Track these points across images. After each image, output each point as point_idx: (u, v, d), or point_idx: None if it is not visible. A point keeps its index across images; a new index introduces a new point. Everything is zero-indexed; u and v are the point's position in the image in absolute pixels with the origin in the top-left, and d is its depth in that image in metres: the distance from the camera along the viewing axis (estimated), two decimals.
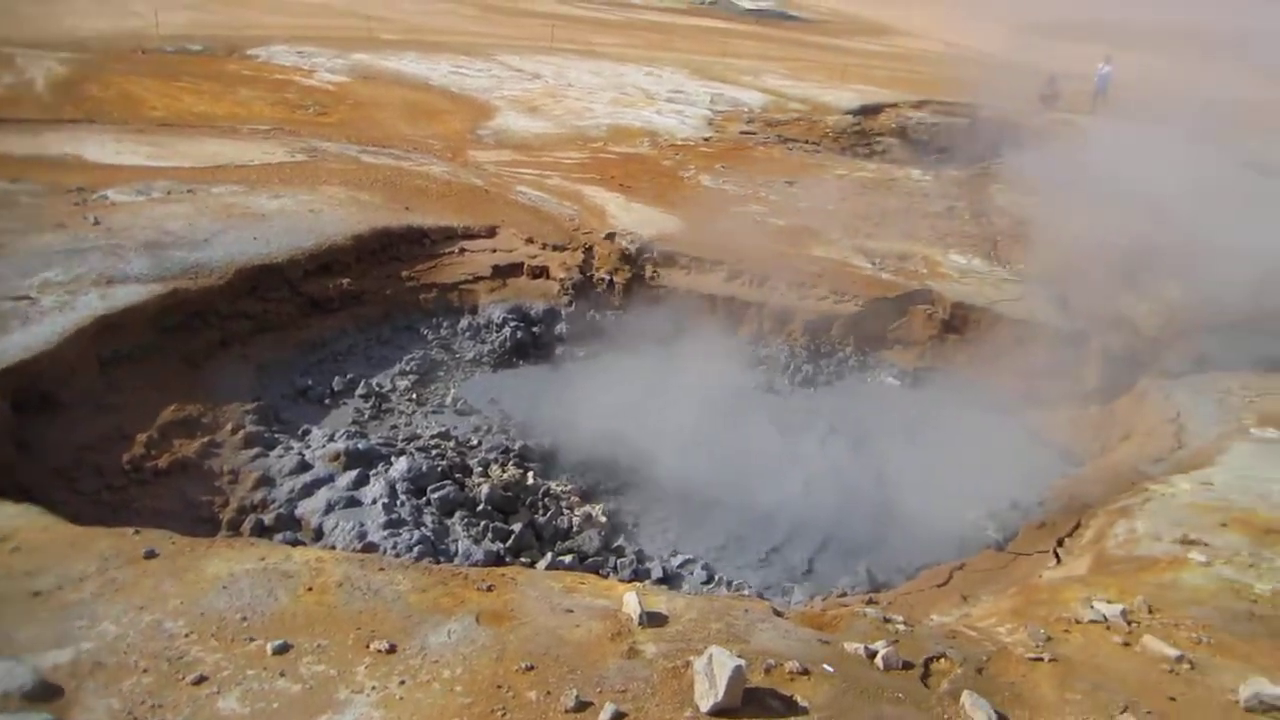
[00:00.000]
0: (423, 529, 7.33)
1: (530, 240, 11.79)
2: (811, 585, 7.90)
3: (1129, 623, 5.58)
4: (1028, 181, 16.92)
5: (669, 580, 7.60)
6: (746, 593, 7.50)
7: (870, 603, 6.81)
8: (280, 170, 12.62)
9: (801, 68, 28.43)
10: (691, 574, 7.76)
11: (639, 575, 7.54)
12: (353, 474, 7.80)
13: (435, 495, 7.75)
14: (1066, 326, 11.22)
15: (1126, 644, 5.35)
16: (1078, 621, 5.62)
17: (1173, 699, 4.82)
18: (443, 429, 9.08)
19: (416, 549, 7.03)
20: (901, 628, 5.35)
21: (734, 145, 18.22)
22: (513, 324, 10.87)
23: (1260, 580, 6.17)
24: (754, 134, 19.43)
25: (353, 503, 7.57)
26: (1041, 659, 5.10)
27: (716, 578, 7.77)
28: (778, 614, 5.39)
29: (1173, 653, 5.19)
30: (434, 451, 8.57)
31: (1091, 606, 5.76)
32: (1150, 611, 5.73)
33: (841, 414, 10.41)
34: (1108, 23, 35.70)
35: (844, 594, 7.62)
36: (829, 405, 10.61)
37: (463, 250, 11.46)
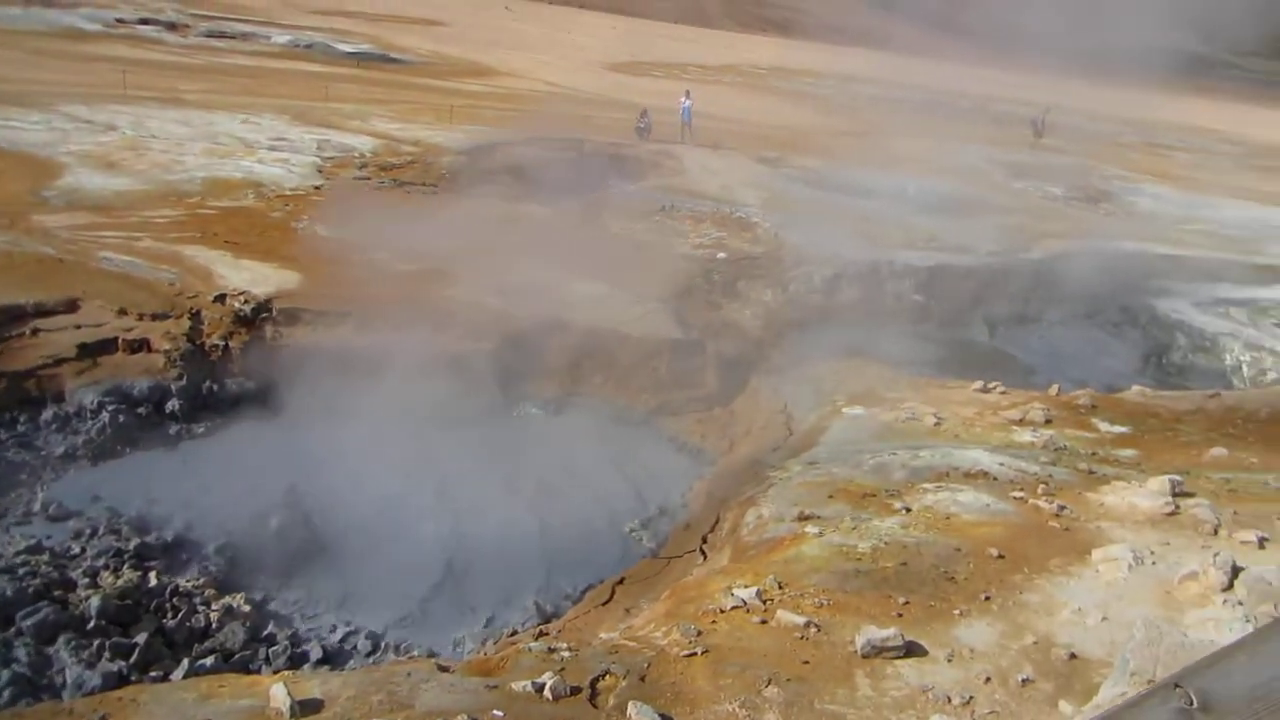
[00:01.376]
0: (15, 666, 6.22)
1: (123, 311, 10.57)
2: (482, 630, 7.84)
3: (764, 601, 6.13)
4: (635, 207, 18.35)
5: (331, 659, 7.14)
6: (415, 653, 7.26)
7: (541, 635, 6.92)
8: None
9: (409, 110, 28.37)
10: (355, 646, 7.36)
11: (296, 661, 7.01)
12: None
13: (28, 622, 6.61)
14: (685, 338, 12.30)
15: (764, 621, 5.89)
16: (722, 611, 6.07)
17: (806, 662, 5.43)
18: (32, 541, 7.78)
19: (7, 692, 5.97)
20: (567, 654, 5.49)
21: (348, 191, 17.72)
22: (111, 408, 9.62)
23: (861, 540, 7.05)
24: (368, 179, 19.05)
25: None
26: (695, 653, 5.47)
27: (383, 644, 7.43)
28: (443, 669, 5.31)
29: (801, 620, 5.81)
30: (21, 570, 7.30)
31: (732, 594, 6.24)
32: (780, 587, 6.34)
33: (492, 450, 10.50)
34: (683, 62, 39.76)
35: (515, 632, 7.64)
36: (479, 443, 10.65)
37: (36, 331, 9.98)
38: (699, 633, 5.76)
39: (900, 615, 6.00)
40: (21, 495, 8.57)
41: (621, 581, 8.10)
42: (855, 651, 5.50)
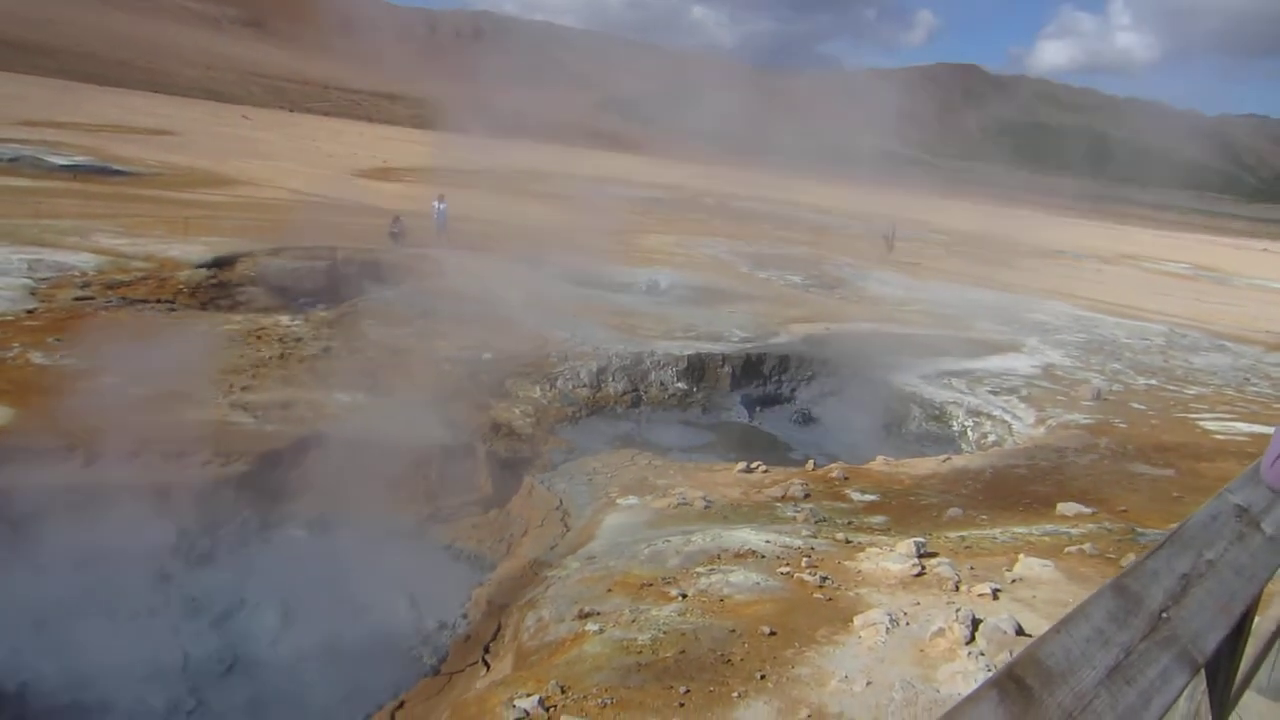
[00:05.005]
0: None
1: None
2: None
3: (546, 709, 5.99)
4: (395, 313, 18.04)
5: None
6: None
7: None
8: None
9: (138, 223, 26.47)
10: None
11: None
12: None
13: None
14: (454, 441, 12.12)
15: None
16: None
17: None
18: None
19: None
20: None
21: (69, 314, 16.16)
22: None
23: (641, 632, 7.12)
24: (93, 299, 17.48)
25: None
26: None
27: None
28: None
29: None
30: None
31: (513, 705, 6.06)
32: (563, 691, 6.23)
33: (251, 580, 9.76)
34: (431, 166, 40.01)
35: None
36: (235, 574, 9.87)
37: None
38: None
39: (682, 705, 6.08)
40: None
41: (401, 705, 7.68)
42: None
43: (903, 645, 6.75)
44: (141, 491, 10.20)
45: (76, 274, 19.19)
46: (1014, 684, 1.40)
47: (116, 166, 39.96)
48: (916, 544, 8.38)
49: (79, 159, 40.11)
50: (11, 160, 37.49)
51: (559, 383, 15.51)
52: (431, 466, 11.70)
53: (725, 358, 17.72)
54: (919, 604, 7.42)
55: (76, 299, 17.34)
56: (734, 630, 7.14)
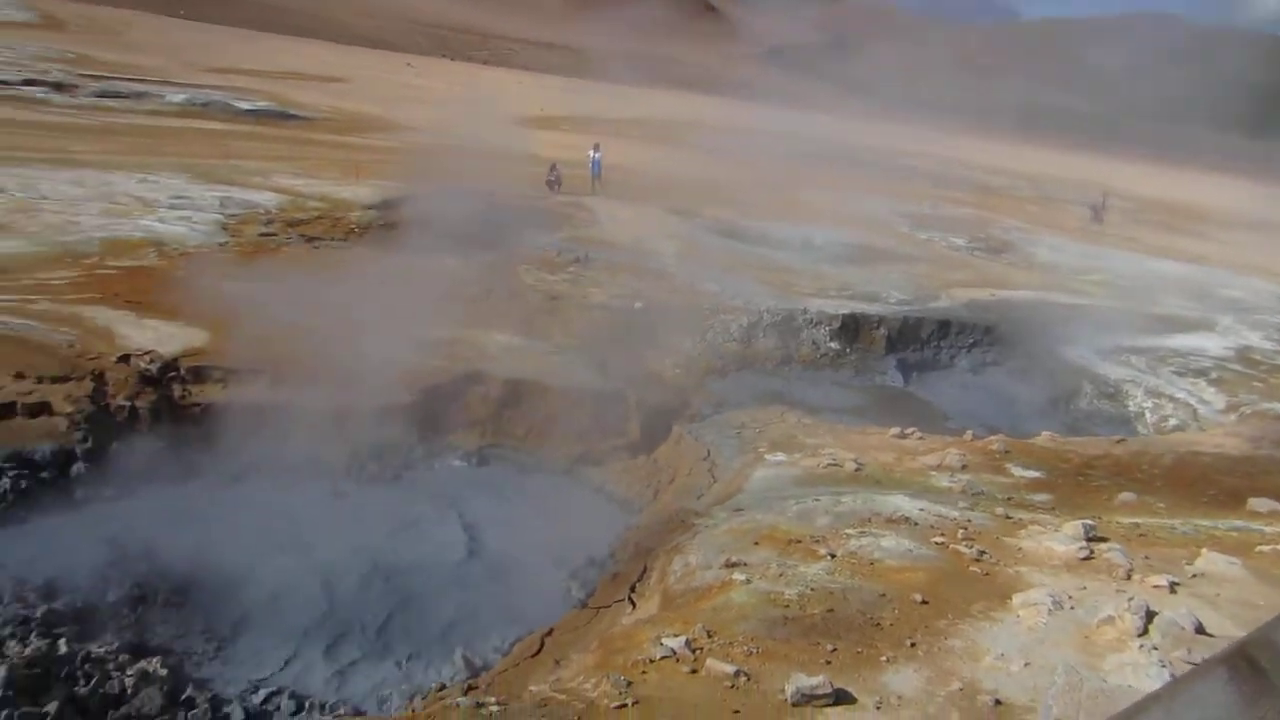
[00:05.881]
0: None
1: (20, 375, 10.05)
2: (409, 687, 7.67)
3: (693, 650, 6.12)
4: (550, 259, 18.42)
5: None
6: (341, 712, 7.08)
7: (469, 690, 6.78)
8: None
9: (313, 166, 27.99)
10: (279, 707, 7.16)
11: None
12: None
13: None
14: (606, 388, 12.34)
15: (694, 671, 5.88)
16: (651, 660, 6.05)
17: (737, 711, 5.44)
18: None
19: None
20: (495, 709, 5.40)
21: (255, 248, 17.32)
22: (13, 473, 9.13)
23: (788, 587, 7.13)
24: (275, 235, 18.66)
25: None
26: (625, 705, 5.43)
27: (307, 704, 7.22)
28: None
29: (731, 669, 5.83)
30: None
31: (661, 643, 6.22)
32: (709, 636, 6.34)
33: (414, 503, 10.32)
34: (591, 116, 40.34)
35: (443, 687, 7.50)
36: (400, 497, 10.47)
37: None
38: (629, 683, 5.73)
39: (828, 663, 6.07)
40: None
41: (550, 633, 7.98)
42: (785, 700, 5.54)
43: (1065, 629, 6.47)
44: (318, 414, 10.90)
45: (261, 211, 20.52)
46: (1246, 664, 1.30)
47: (294, 111, 42.20)
48: (1085, 526, 7.97)
49: (261, 104, 42.55)
50: (204, 105, 40.17)
51: (709, 335, 15.50)
52: (583, 410, 11.97)
53: (881, 319, 17.25)
54: (1085, 589, 7.08)
55: (261, 234, 18.56)
56: (884, 595, 7.04)
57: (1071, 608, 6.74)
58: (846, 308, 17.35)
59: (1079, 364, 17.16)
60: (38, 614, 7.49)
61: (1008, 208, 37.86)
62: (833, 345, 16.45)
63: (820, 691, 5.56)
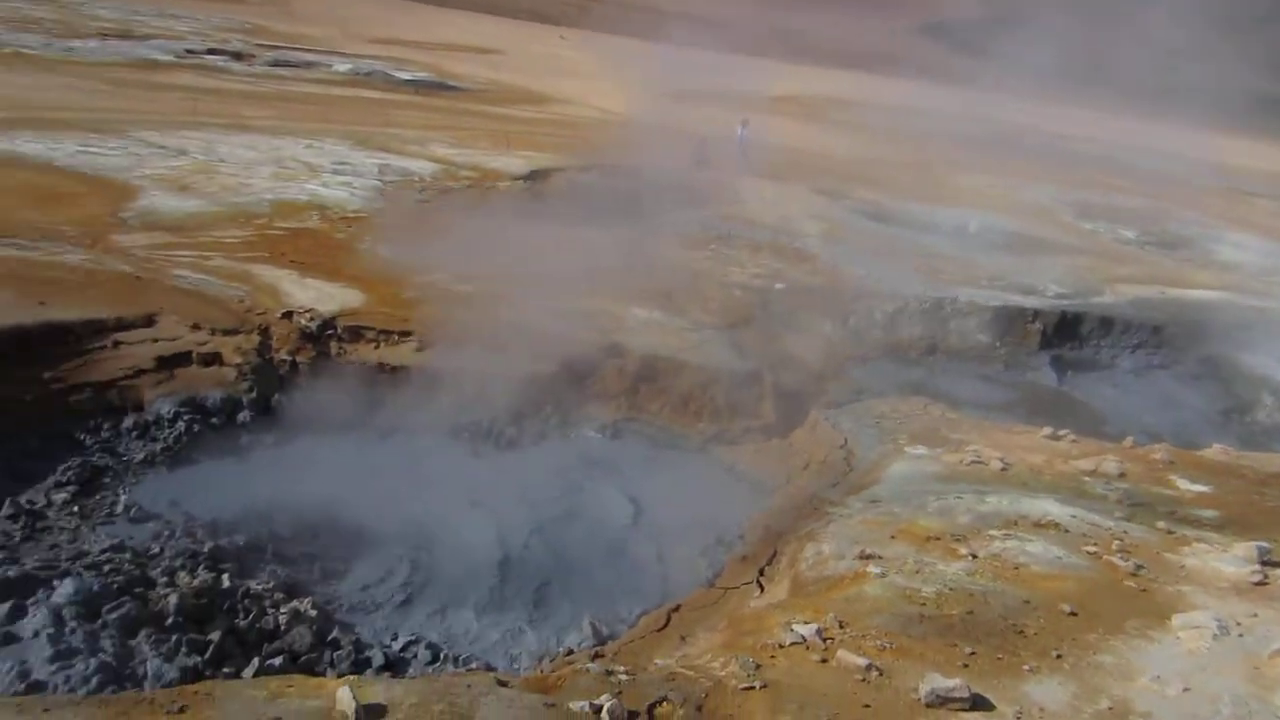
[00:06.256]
0: (100, 655, 6.41)
1: (197, 326, 10.82)
2: (538, 648, 7.87)
3: (824, 640, 6.03)
4: (692, 235, 18.36)
5: (393, 666, 7.26)
6: (474, 665, 7.33)
7: (597, 656, 6.89)
8: None
9: (467, 136, 28.82)
10: (416, 655, 7.47)
11: (359, 666, 7.13)
12: (5, 607, 6.65)
13: (113, 615, 6.80)
14: (742, 367, 12.24)
15: (824, 660, 5.78)
16: (781, 646, 5.98)
17: (867, 706, 5.31)
18: (115, 541, 7.99)
19: (95, 679, 6.16)
20: (624, 678, 5.46)
21: (409, 214, 17.99)
22: (187, 417, 9.88)
23: (925, 584, 6.92)
24: (428, 202, 19.34)
25: (9, 639, 6.44)
26: (753, 687, 5.39)
27: (442, 655, 7.52)
28: (502, 684, 5.31)
29: (863, 662, 5.70)
30: (107, 568, 7.50)
31: (791, 629, 6.15)
32: (841, 626, 6.23)
33: (549, 472, 10.54)
34: (739, 91, 39.89)
35: (570, 651, 7.66)
36: (536, 465, 10.70)
37: (118, 344, 10.24)
38: (757, 666, 5.69)
39: (966, 666, 5.86)
40: (105, 497, 8.78)
41: (677, 609, 8.01)
42: (919, 700, 5.39)
43: (1232, 656, 6.02)
44: (461, 377, 11.25)
45: (416, 179, 21.30)
46: None
47: (450, 82, 43.54)
48: (1259, 549, 7.37)
49: (420, 75, 44.10)
50: (366, 74, 41.96)
51: (851, 320, 15.13)
52: (719, 388, 11.92)
53: (1037, 313, 16.38)
54: (1257, 616, 6.55)
55: (415, 201, 19.27)
56: (1028, 601, 6.74)
57: (1240, 635, 6.26)
58: (999, 299, 16.57)
59: (1259, 373, 15.84)
60: (205, 549, 8.06)
61: (1188, 199, 35.15)
62: (982, 337, 15.76)
63: (956, 695, 5.38)
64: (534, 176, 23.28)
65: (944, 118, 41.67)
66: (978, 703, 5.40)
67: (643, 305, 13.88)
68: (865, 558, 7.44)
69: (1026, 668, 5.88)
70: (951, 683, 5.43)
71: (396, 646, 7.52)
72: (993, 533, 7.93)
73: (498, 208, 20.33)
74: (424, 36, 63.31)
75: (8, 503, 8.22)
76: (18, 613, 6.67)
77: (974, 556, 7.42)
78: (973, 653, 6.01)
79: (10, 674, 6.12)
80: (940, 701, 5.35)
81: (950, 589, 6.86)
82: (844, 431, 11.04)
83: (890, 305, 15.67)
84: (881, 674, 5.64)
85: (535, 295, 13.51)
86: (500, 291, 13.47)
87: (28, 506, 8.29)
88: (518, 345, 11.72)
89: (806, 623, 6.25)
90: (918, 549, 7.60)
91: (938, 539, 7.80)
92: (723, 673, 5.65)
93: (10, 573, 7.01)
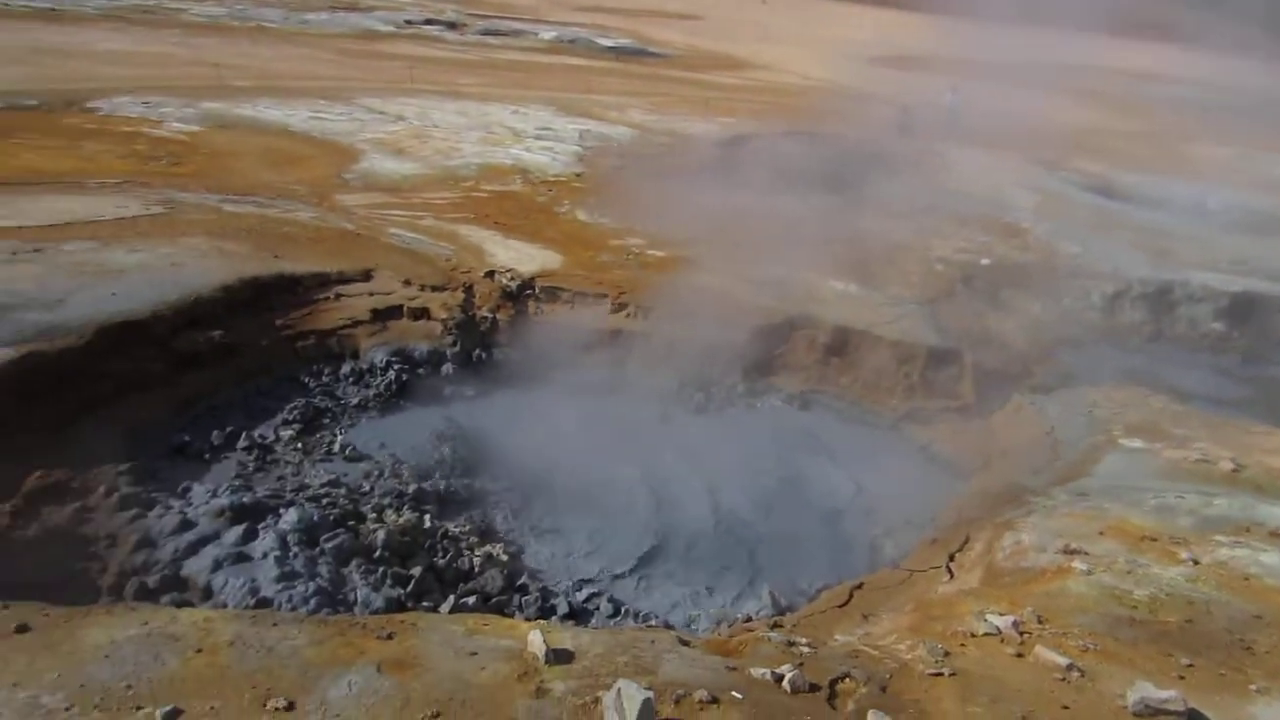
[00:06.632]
0: (318, 580, 7.01)
1: (408, 282, 11.50)
2: (716, 612, 7.91)
3: (1020, 633, 5.72)
4: (894, 206, 17.67)
5: (575, 615, 7.51)
6: (653, 623, 7.45)
7: (775, 626, 6.82)
8: (136, 224, 11.90)
9: (665, 102, 28.99)
10: (598, 607, 7.68)
11: (544, 612, 7.43)
12: (240, 529, 7.37)
13: (329, 545, 7.42)
14: (941, 345, 11.70)
15: (1020, 654, 5.49)
16: (973, 635, 5.74)
17: (1066, 707, 4.97)
18: (332, 477, 8.71)
19: (313, 601, 6.74)
20: (806, 650, 5.37)
21: (606, 179, 18.32)
22: (396, 367, 10.56)
23: (1138, 586, 6.42)
24: (624, 168, 19.60)
25: (242, 558, 7.14)
26: (941, 674, 5.18)
27: (623, 609, 7.70)
28: (684, 643, 5.35)
29: (1063, 661, 5.35)
30: (325, 500, 8.20)
31: (985, 619, 5.88)
32: (1040, 621, 5.90)
33: (735, 439, 10.52)
34: (950, 56, 37.96)
35: (749, 619, 7.64)
36: (722, 431, 10.71)
37: (339, 295, 11.07)
38: (946, 653, 5.47)
39: (1182, 678, 5.38)
40: (324, 437, 9.55)
41: (860, 586, 7.81)
42: (1124, 707, 5.01)
43: None
44: (654, 341, 11.39)
45: (614, 144, 21.65)
46: None
47: (650, 48, 43.91)
48: None
49: (621, 41, 44.74)
50: (570, 41, 43.03)
51: (1064, 301, 14.10)
52: (914, 365, 11.45)
53: None
54: None
55: (613, 167, 19.59)
56: (1259, 616, 6.12)
57: None
58: (1239, 284, 14.92)
59: None
60: (410, 490, 8.63)
61: None
62: (1216, 326, 14.27)
63: (1171, 708, 4.95)
64: (731, 143, 23.11)
65: (1188, 84, 37.87)
66: (1194, 719, 4.95)
67: (839, 277, 13.51)
68: (1070, 552, 6.99)
69: (1254, 688, 5.33)
70: (1166, 694, 5.00)
71: (580, 597, 7.78)
72: (1220, 538, 7.23)
73: (693, 174, 20.34)
74: (626, 3, 64.12)
75: (244, 436, 9.10)
76: (250, 535, 7.39)
77: (1195, 562, 6.81)
78: (1190, 665, 5.52)
79: (242, 589, 6.80)
80: (1151, 712, 4.94)
81: (1167, 594, 6.32)
82: (1050, 418, 10.35)
83: (1110, 286, 14.49)
84: (1083, 675, 5.28)
85: (729, 262, 13.45)
86: (694, 257, 13.50)
87: (260, 441, 9.15)
88: (709, 311, 11.72)
89: (1002, 614, 5.95)
90: (1130, 548, 7.05)
91: (1153, 540, 7.20)
92: (909, 656, 5.47)
93: (245, 499, 7.76)
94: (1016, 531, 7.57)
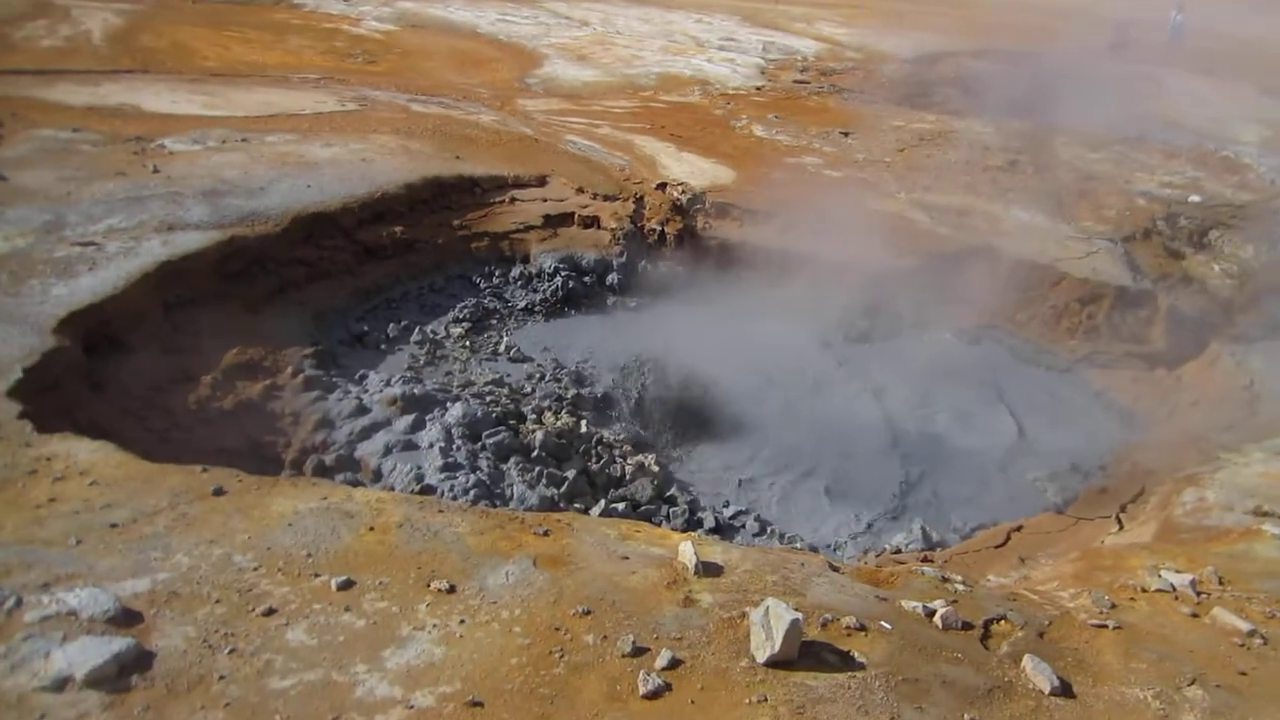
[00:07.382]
0: (478, 473, 7.39)
1: (581, 190, 11.72)
2: (865, 540, 7.89)
3: (1198, 593, 5.41)
4: (1094, 133, 16.39)
5: (721, 531, 7.64)
6: (799, 546, 7.49)
7: (926, 561, 6.75)
8: (331, 119, 12.66)
9: (857, 14, 27.71)
10: (744, 525, 7.79)
11: (691, 525, 7.58)
12: (409, 418, 7.84)
13: (490, 440, 7.80)
14: (1133, 286, 10.91)
15: (1195, 615, 5.18)
16: (1144, 590, 5.47)
17: (1243, 673, 4.67)
18: (496, 376, 9.11)
19: (472, 492, 7.10)
20: (960, 588, 5.27)
21: (787, 95, 17.87)
22: (564, 273, 10.84)
23: None
24: (808, 83, 19.03)
25: (410, 446, 7.63)
26: (1106, 626, 4.96)
27: (769, 530, 7.78)
28: (834, 568, 5.32)
29: (1245, 626, 5.01)
30: (488, 398, 8.60)
31: (1159, 575, 5.60)
32: (1221, 583, 5.57)
33: (897, 370, 10.29)
34: None
35: (898, 551, 7.59)
36: (884, 361, 10.49)
37: (513, 199, 11.42)
38: (1113, 605, 5.23)
39: None
40: (491, 337, 9.97)
41: (1019, 529, 7.60)
42: None
43: None
44: (820, 264, 11.18)
45: (799, 58, 21.00)
46: None
47: None
48: None
49: None
50: None
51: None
52: (1099, 306, 10.75)
53: None
54: None
55: (795, 81, 19.04)
56: None
57: None
58: None
59: None
60: (569, 395, 8.92)
61: None
62: None
63: None
64: (922, 60, 21.95)
65: None
66: None
67: (1025, 207, 12.73)
68: (1262, 514, 6.59)
69: None
70: None
71: (728, 513, 7.91)
72: None
73: (880, 92, 19.49)
74: None
75: (417, 330, 9.65)
76: (418, 425, 7.84)
77: None
78: None
79: (409, 475, 7.27)
80: None
81: None
82: (1251, 371, 9.57)
83: None
84: (1266, 643, 4.93)
85: (907, 187, 12.94)
86: (872, 179, 13.06)
87: (431, 336, 9.65)
88: (881, 237, 11.35)
89: (1179, 571, 5.65)
90: None
91: None
92: (1072, 604, 5.26)
93: (415, 390, 8.23)
94: (1200, 488, 7.16)
